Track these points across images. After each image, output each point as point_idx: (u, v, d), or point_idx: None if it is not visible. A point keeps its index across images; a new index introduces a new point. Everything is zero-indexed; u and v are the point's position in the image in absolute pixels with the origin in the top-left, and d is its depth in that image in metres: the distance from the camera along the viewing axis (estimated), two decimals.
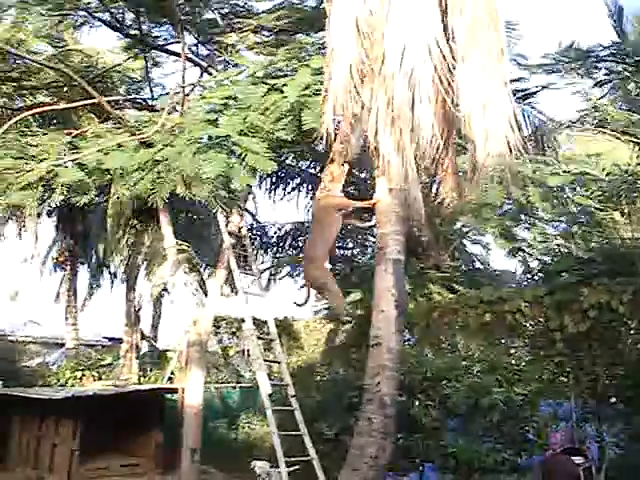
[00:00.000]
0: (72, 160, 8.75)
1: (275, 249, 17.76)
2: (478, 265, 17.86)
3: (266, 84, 9.03)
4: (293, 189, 16.33)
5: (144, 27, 13.28)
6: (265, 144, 8.27)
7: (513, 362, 10.35)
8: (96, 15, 12.81)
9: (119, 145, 9.42)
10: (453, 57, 6.92)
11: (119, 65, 14.37)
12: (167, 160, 8.38)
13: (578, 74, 12.77)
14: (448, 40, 7.00)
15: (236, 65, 10.50)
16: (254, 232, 17.03)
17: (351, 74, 7.03)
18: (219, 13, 13.49)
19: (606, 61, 12.52)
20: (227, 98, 8.92)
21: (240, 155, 7.88)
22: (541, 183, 10.77)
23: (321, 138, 7.18)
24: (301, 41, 9.36)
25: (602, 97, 13.23)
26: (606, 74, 12.80)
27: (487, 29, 7.15)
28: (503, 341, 10.91)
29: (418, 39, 6.88)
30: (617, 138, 12.53)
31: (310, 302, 8.73)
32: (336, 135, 7.47)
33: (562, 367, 10.04)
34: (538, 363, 10.10)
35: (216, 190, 8.26)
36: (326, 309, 16.35)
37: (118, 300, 22.60)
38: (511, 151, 6.77)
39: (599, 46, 12.21)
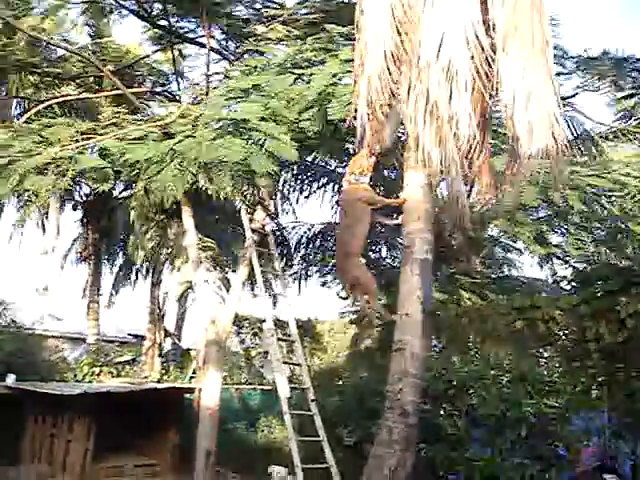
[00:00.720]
0: (85, 146, 8.45)
1: (304, 250, 17.39)
2: (507, 272, 17.46)
3: (293, 74, 8.70)
4: (319, 187, 15.95)
5: (172, 19, 13.08)
6: (289, 134, 7.96)
7: (545, 373, 9.81)
8: (124, 4, 12.60)
9: (141, 137, 9.17)
10: (491, 48, 6.60)
11: (147, 57, 14.13)
12: (187, 150, 8.08)
13: (614, 83, 12.37)
14: (487, 30, 6.67)
15: (263, 55, 10.11)
16: (281, 232, 16.69)
17: (386, 60, 6.64)
18: (250, 7, 13.25)
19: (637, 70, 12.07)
20: (253, 87, 8.60)
21: (259, 141, 7.50)
22: (580, 186, 10.27)
23: (350, 127, 6.85)
24: (330, 31, 8.94)
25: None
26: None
27: (530, 17, 6.75)
28: (534, 350, 10.40)
29: (456, 27, 6.51)
30: None
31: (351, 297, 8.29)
32: (369, 123, 7.05)
33: (596, 379, 9.50)
34: (571, 374, 9.56)
35: (237, 178, 7.88)
36: (354, 312, 15.94)
37: (143, 297, 22.51)
38: (557, 146, 6.36)
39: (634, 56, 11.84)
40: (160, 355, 21.96)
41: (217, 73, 11.37)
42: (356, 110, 6.84)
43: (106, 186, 8.99)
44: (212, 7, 11.94)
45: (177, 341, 23.57)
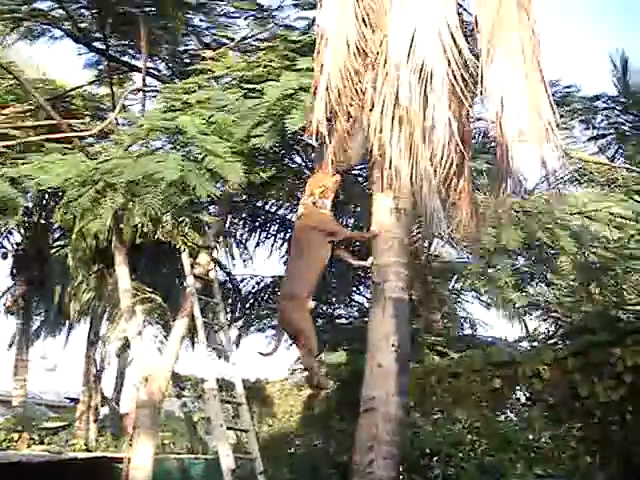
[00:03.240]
0: None
1: (250, 303, 15.99)
2: (468, 330, 16.47)
3: (243, 89, 7.54)
4: (269, 235, 14.67)
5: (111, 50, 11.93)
6: (235, 156, 6.72)
7: (531, 437, 8.55)
8: (58, 25, 11.36)
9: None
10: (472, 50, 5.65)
11: (81, 87, 12.83)
12: (114, 170, 6.74)
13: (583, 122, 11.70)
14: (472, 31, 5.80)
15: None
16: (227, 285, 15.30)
17: (349, 53, 5.61)
18: (199, 41, 12.21)
19: (609, 109, 11.43)
20: (196, 102, 7.38)
21: (199, 157, 6.23)
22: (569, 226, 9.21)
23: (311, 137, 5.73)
24: (286, 37, 7.83)
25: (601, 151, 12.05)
26: (607, 126, 11.66)
27: (518, 17, 5.89)
28: (516, 411, 9.18)
29: (429, 25, 5.53)
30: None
31: (279, 352, 6.78)
32: (329, 134, 5.86)
33: (588, 444, 8.29)
34: (560, 439, 8.33)
35: (171, 202, 6.54)
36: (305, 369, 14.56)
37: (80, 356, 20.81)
38: (554, 157, 5.43)
39: (603, 96, 11.23)
40: (96, 420, 20.21)
41: (156, 90, 10.14)
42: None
43: (15, 219, 7.60)
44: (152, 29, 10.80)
45: (115, 404, 21.76)
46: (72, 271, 14.87)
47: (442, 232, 6.13)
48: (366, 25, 5.76)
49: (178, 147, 6.57)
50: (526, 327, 13.47)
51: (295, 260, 6.48)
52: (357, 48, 5.67)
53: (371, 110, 5.70)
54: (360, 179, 10.28)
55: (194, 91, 7.82)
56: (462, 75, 5.40)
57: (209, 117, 6.65)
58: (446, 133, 5.36)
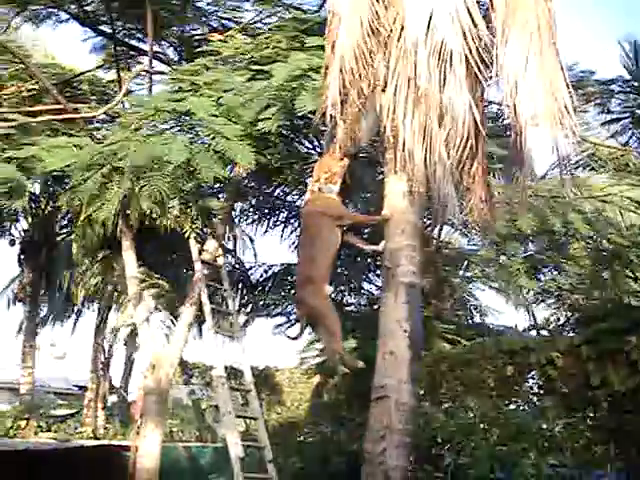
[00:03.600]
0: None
1: (258, 291, 15.83)
2: (478, 318, 16.28)
3: (251, 70, 7.39)
4: (278, 223, 14.46)
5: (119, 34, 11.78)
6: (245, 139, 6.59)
7: (544, 426, 8.40)
8: (63, 8, 11.21)
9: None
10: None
11: (89, 71, 12.69)
12: (119, 152, 6.61)
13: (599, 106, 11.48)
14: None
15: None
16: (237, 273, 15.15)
17: (363, 32, 5.45)
18: (207, 25, 12.07)
19: (624, 92, 11.24)
20: (204, 84, 7.24)
21: (207, 139, 6.10)
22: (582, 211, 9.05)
23: (322, 119, 5.58)
24: (295, 17, 7.67)
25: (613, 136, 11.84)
26: (622, 110, 11.45)
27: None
28: (529, 399, 9.04)
29: (446, 4, 5.32)
30: None
31: (305, 336, 6.74)
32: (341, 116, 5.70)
33: (603, 433, 8.14)
34: (575, 428, 8.18)
35: (178, 184, 6.41)
36: (317, 356, 14.47)
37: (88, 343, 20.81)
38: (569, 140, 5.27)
39: (619, 80, 11.04)
40: (104, 408, 20.19)
41: (163, 73, 10.00)
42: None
43: (21, 203, 7.50)
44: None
45: (123, 392, 21.73)
46: (77, 258, 14.77)
47: (455, 217, 5.93)
48: (379, 2, 5.60)
49: (185, 129, 6.42)
50: (534, 315, 13.29)
51: (307, 247, 6.41)
52: (370, 27, 5.51)
53: (384, 90, 5.56)
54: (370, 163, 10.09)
55: (202, 73, 7.71)
56: (479, 55, 5.25)
57: (217, 99, 6.50)
58: (465, 115, 5.20)
